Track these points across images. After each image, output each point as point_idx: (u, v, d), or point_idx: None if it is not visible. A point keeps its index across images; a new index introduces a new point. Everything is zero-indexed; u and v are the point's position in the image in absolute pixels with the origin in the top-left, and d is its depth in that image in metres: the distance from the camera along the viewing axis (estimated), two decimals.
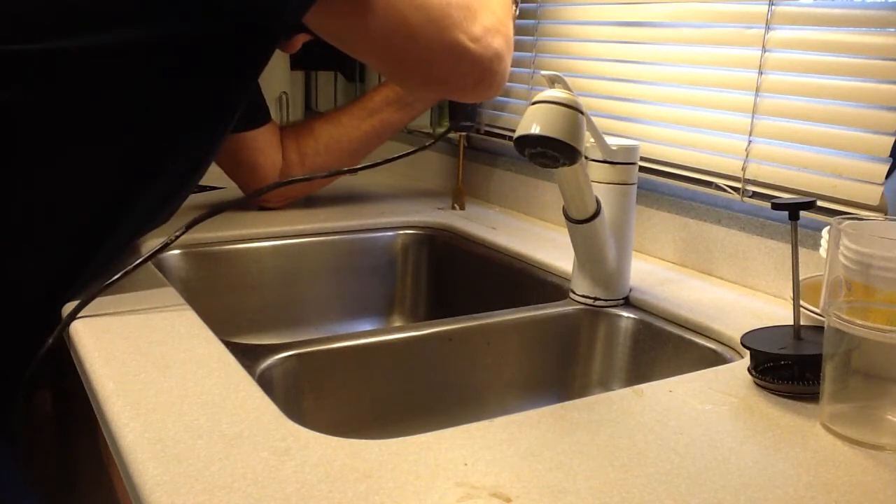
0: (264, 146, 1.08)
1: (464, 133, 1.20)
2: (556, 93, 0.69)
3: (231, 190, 1.19)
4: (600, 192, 0.79)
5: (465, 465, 0.48)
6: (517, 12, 1.13)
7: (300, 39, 0.99)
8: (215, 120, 0.76)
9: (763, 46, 0.82)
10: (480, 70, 0.77)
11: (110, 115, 0.69)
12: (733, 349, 0.72)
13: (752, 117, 0.84)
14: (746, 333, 0.65)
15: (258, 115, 1.07)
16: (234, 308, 1.01)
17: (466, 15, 0.74)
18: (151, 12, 0.66)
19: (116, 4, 0.65)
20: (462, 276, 1.08)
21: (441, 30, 0.73)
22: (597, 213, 0.76)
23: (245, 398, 0.55)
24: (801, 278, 0.64)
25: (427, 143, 1.12)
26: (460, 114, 1.17)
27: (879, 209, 0.74)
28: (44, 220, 0.70)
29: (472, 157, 1.29)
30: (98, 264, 0.74)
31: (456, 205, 1.21)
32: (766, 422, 0.55)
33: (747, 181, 0.85)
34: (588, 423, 0.54)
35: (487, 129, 1.25)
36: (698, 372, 0.63)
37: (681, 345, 0.77)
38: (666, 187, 0.97)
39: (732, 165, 0.87)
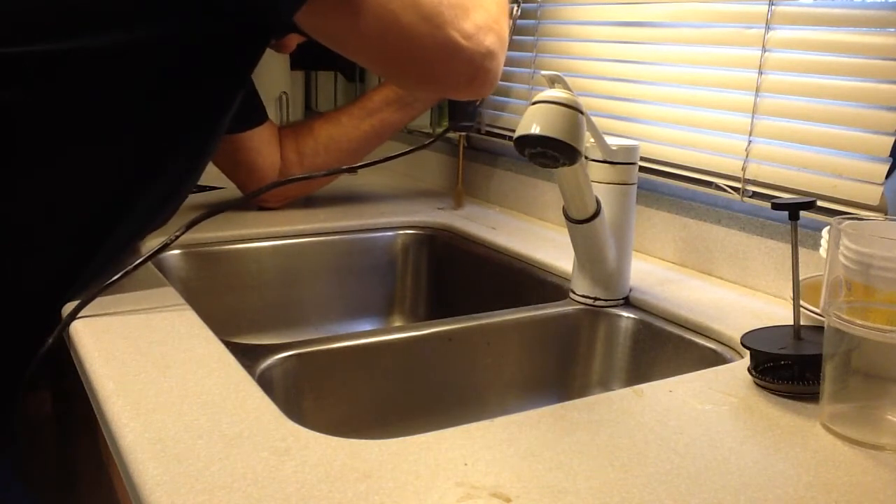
0: (261, 146, 1.08)
1: (464, 133, 1.20)
2: (556, 93, 0.69)
3: (231, 190, 1.19)
4: (600, 192, 0.79)
5: (465, 465, 0.48)
6: (518, 12, 1.13)
7: (294, 40, 0.99)
8: (214, 119, 0.76)
9: (763, 46, 0.82)
10: (473, 68, 0.77)
11: (110, 116, 0.69)
12: (733, 349, 0.72)
13: (752, 117, 0.84)
14: (746, 333, 0.65)
15: (254, 115, 1.07)
16: (234, 308, 1.01)
17: (458, 13, 0.74)
18: (151, 13, 0.66)
19: (116, 5, 0.65)
20: (462, 276, 1.08)
21: (433, 28, 0.73)
22: (597, 213, 0.76)
23: (245, 398, 0.55)
24: (801, 278, 0.64)
25: (426, 142, 1.12)
26: (460, 114, 1.17)
27: (879, 209, 0.74)
28: (44, 220, 0.69)
29: (472, 157, 1.29)
30: (98, 264, 0.74)
31: (456, 205, 1.21)
32: (766, 422, 0.55)
33: (747, 181, 0.85)
34: (588, 423, 0.54)
35: (487, 129, 1.25)
36: (698, 372, 0.63)
37: (681, 345, 0.77)
38: (666, 187, 0.97)
39: (732, 165, 0.87)
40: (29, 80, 0.64)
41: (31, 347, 0.68)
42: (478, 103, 1.18)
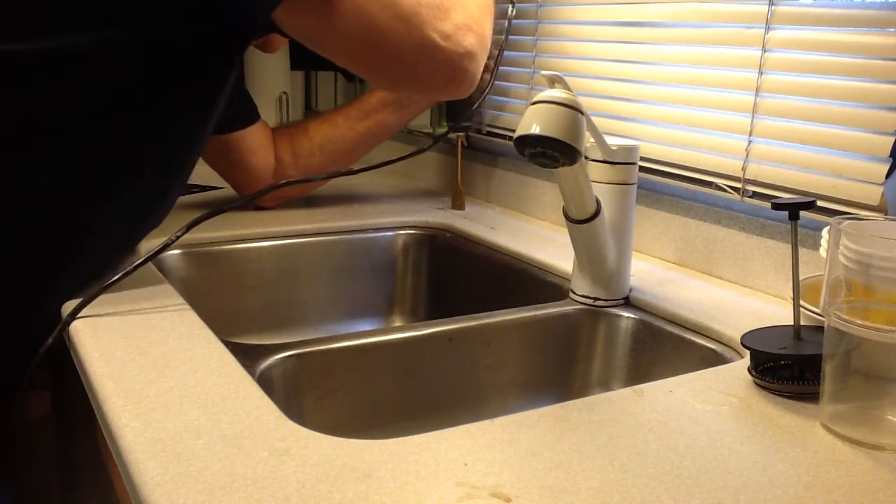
0: (254, 146, 1.07)
1: (462, 133, 1.20)
2: (556, 93, 0.69)
3: (230, 190, 1.18)
4: (600, 192, 0.79)
5: (465, 465, 0.48)
6: (514, 12, 1.13)
7: (279, 40, 0.99)
8: (203, 117, 0.76)
9: (763, 46, 0.82)
10: (451, 68, 0.76)
11: (105, 114, 0.69)
12: (733, 349, 0.72)
13: (752, 117, 0.84)
14: (746, 333, 0.65)
15: (245, 115, 1.06)
16: (234, 308, 1.01)
17: (437, 13, 0.74)
18: (147, 12, 0.66)
19: (111, 5, 0.65)
20: (462, 276, 1.08)
21: (411, 28, 0.73)
22: (597, 213, 0.76)
23: (245, 398, 0.55)
24: (801, 278, 0.64)
25: (425, 146, 1.12)
26: (459, 115, 1.17)
27: (879, 209, 0.74)
28: (40, 219, 0.69)
29: (472, 157, 1.29)
30: (99, 263, 0.74)
31: (456, 205, 1.21)
32: (766, 422, 0.55)
33: (747, 181, 0.85)
34: (588, 423, 0.54)
35: (487, 129, 1.25)
36: (698, 372, 0.63)
37: (681, 345, 0.77)
38: (666, 187, 0.97)
39: (732, 165, 0.87)
40: (25, 79, 0.64)
41: (31, 347, 0.68)
42: (475, 105, 1.18)
